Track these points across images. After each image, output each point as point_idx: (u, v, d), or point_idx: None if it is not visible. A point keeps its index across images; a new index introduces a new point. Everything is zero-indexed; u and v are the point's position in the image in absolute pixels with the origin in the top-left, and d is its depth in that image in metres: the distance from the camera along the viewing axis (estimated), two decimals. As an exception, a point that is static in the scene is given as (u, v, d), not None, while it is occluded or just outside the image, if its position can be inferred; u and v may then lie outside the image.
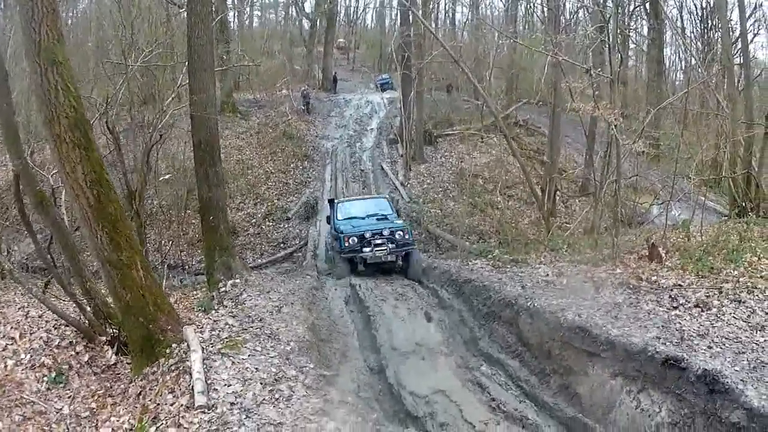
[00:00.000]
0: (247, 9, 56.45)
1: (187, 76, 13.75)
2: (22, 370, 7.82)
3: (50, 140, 7.77)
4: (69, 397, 7.63)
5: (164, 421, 6.35)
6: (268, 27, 58.75)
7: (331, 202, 18.29)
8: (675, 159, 15.37)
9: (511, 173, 25.15)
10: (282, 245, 21.25)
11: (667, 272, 10.56)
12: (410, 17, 26.94)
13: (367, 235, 15.24)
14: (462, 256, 16.09)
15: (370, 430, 6.33)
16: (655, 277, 10.32)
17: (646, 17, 35.26)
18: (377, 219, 16.53)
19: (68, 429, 6.94)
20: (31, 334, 8.85)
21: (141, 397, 7.51)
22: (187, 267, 19.30)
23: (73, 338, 9.07)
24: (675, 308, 8.81)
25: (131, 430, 6.65)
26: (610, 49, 15.63)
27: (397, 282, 14.34)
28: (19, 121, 13.15)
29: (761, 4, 31.12)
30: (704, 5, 33.47)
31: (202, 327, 9.24)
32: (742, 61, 19.57)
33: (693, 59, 25.02)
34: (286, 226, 22.33)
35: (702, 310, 8.56)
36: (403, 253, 15.49)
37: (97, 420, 7.21)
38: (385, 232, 15.38)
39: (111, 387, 8.18)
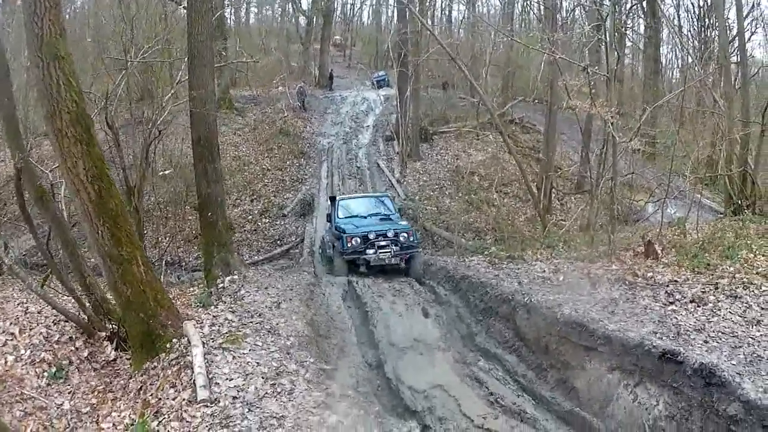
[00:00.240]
0: (244, 6, 56.40)
1: (186, 72, 13.79)
2: (23, 365, 7.86)
3: (51, 135, 7.77)
4: (69, 393, 7.68)
5: (166, 416, 6.39)
6: (264, 24, 58.64)
7: (332, 199, 17.58)
8: (671, 157, 15.45)
9: (507, 170, 25.19)
10: (278, 242, 21.29)
11: (663, 268, 10.62)
12: (407, 14, 26.98)
13: (371, 236, 14.67)
14: (458, 252, 16.15)
15: (372, 423, 6.37)
16: (651, 274, 10.38)
17: (642, 15, 35.35)
18: (380, 219, 16.06)
19: (69, 424, 6.98)
20: (30, 329, 8.88)
21: (141, 392, 7.55)
22: (184, 264, 19.33)
23: (73, 334, 9.10)
24: (671, 303, 8.89)
25: (132, 425, 6.66)
26: (607, 47, 15.67)
27: (395, 278, 14.25)
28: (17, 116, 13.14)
29: (759, 3, 31.28)
30: (701, 4, 33.46)
31: (201, 322, 9.26)
32: (739, 60, 19.61)
33: (690, 57, 25.04)
34: (283, 222, 22.36)
35: (698, 306, 8.63)
36: (407, 256, 14.90)
37: (97, 415, 7.26)
38: (390, 234, 14.80)
39: (111, 382, 8.22)
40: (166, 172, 18.39)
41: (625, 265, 11.23)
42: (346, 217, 16.10)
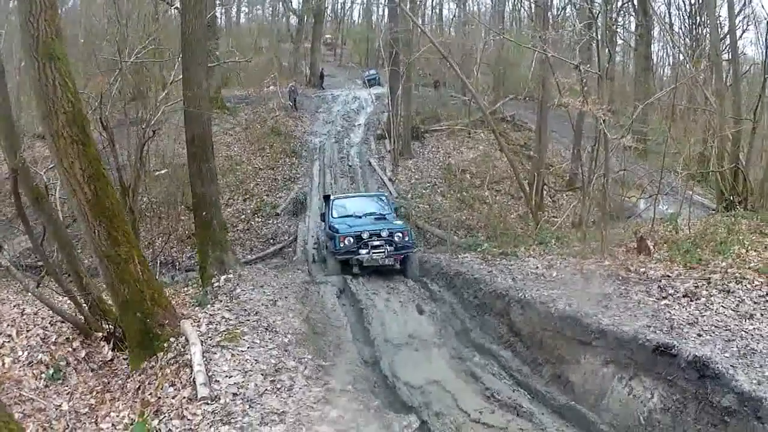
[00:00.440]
0: (235, 5, 56.35)
1: (179, 72, 13.81)
2: (20, 367, 7.85)
3: (48, 136, 7.80)
4: (67, 394, 7.69)
5: (167, 414, 6.40)
6: (255, 23, 58.60)
7: (326, 198, 17.37)
8: (662, 154, 15.56)
9: (498, 168, 25.32)
10: (271, 241, 21.31)
11: (656, 264, 10.73)
12: (398, 13, 27.03)
13: (365, 235, 14.32)
14: (451, 249, 16.17)
15: (372, 417, 6.42)
16: (644, 269, 10.49)
17: (634, 13, 35.50)
18: (375, 218, 15.67)
19: (68, 425, 6.98)
20: (27, 331, 8.87)
21: (140, 391, 7.55)
22: (177, 264, 19.34)
23: (70, 335, 9.10)
24: (664, 298, 8.98)
25: (132, 424, 6.67)
26: (598, 45, 15.75)
27: (389, 276, 14.25)
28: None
29: (750, 1, 31.38)
30: (692, 1, 33.61)
31: (198, 321, 9.28)
32: (730, 57, 19.73)
33: (681, 55, 25.17)
34: (275, 221, 22.38)
35: (691, 300, 8.73)
36: (402, 256, 14.56)
37: (96, 416, 7.26)
38: (384, 233, 14.42)
39: (109, 383, 8.23)
40: (162, 171, 18.39)
41: (617, 261, 11.31)
42: (340, 217, 15.85)
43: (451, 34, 45.64)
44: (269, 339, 8.81)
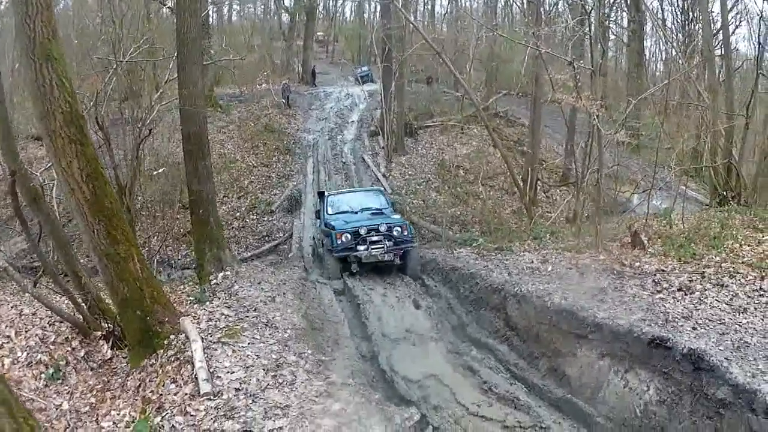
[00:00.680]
0: (227, 3, 56.25)
1: (174, 70, 13.84)
2: (20, 367, 7.84)
3: (45, 135, 7.80)
4: (68, 393, 7.68)
5: (169, 411, 6.43)
6: (246, 21, 58.48)
7: (320, 194, 17.08)
8: (656, 149, 15.65)
9: (492, 164, 25.35)
10: (267, 238, 21.31)
11: (650, 258, 10.77)
12: (391, 10, 27.05)
13: (362, 231, 13.94)
14: (446, 245, 16.14)
15: (374, 410, 6.49)
16: (638, 263, 10.53)
17: (626, 9, 35.63)
18: (372, 213, 15.39)
19: (69, 424, 6.98)
20: (26, 331, 8.87)
21: (140, 389, 7.56)
22: (173, 262, 19.34)
23: (69, 334, 9.10)
24: (659, 292, 9.05)
25: (132, 422, 6.67)
26: (591, 41, 15.83)
27: (385, 271, 14.25)
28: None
29: (743, -4, 31.41)
30: (685, -3, 33.71)
31: (198, 318, 9.34)
32: (723, 53, 19.81)
33: (674, 51, 25.29)
34: (270, 219, 22.37)
35: (685, 294, 8.80)
36: (402, 251, 14.25)
37: (97, 414, 7.24)
38: (382, 228, 14.06)
39: (108, 381, 8.23)
40: (160, 171, 18.39)
41: (612, 256, 11.37)
42: (335, 213, 15.58)
43: (443, 30, 45.67)
44: (269, 335, 8.87)
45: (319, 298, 12.63)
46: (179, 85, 13.24)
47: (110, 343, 9.09)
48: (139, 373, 8.02)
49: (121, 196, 13.18)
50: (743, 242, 10.76)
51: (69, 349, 8.82)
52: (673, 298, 8.74)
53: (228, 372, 7.19)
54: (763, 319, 7.56)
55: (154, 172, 18.44)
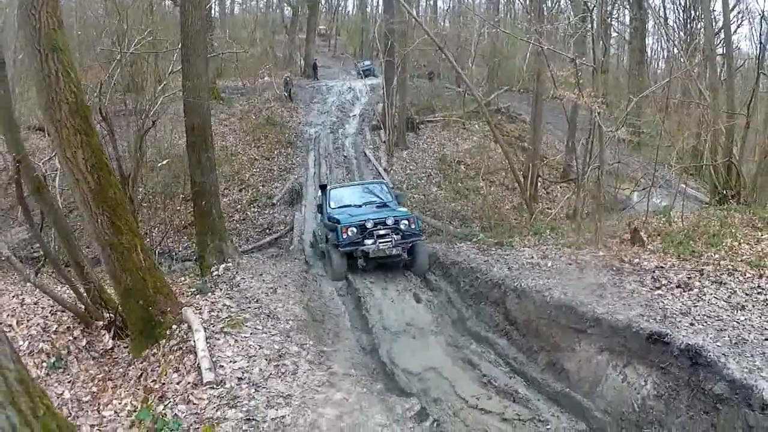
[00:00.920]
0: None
1: (177, 62, 13.89)
2: (21, 356, 7.90)
3: (50, 126, 7.82)
4: (69, 382, 7.74)
5: (172, 399, 6.47)
6: (249, 14, 58.46)
7: (322, 188, 16.32)
8: (656, 147, 15.68)
9: (493, 159, 25.36)
10: (267, 231, 21.34)
11: (649, 255, 10.81)
12: (393, 4, 27.08)
13: (369, 224, 13.46)
14: (447, 239, 16.17)
15: (375, 399, 6.55)
16: (638, 260, 10.57)
17: (628, 6, 35.58)
18: (377, 206, 14.91)
19: (71, 413, 7.02)
20: (27, 320, 8.93)
21: (142, 378, 7.60)
22: (174, 254, 19.37)
23: (70, 324, 9.17)
24: (657, 288, 9.09)
25: (134, 411, 6.70)
26: (593, 38, 15.84)
27: (386, 265, 14.01)
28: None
29: (745, -4, 31.44)
30: (687, -5, 33.69)
31: (200, 309, 9.36)
32: (724, 52, 19.82)
33: (675, 49, 25.24)
34: (271, 211, 22.40)
35: (684, 291, 8.85)
36: (410, 245, 13.73)
37: (98, 403, 7.28)
38: (389, 221, 13.61)
39: (110, 371, 8.28)
40: (164, 162, 18.43)
41: (611, 252, 11.41)
42: (339, 207, 15.02)
43: (445, 25, 45.68)
44: (271, 325, 8.93)
45: (320, 291, 12.71)
46: (183, 77, 13.29)
47: (112, 332, 9.16)
48: (141, 362, 8.07)
49: (124, 187, 13.23)
50: (742, 240, 10.81)
51: (70, 338, 8.88)
52: (672, 294, 8.78)
53: (231, 361, 7.24)
54: (760, 317, 7.61)
55: (158, 164, 18.47)
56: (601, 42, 18.09)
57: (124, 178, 13.41)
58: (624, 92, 29.26)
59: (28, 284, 9.66)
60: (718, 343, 6.85)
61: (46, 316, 9.26)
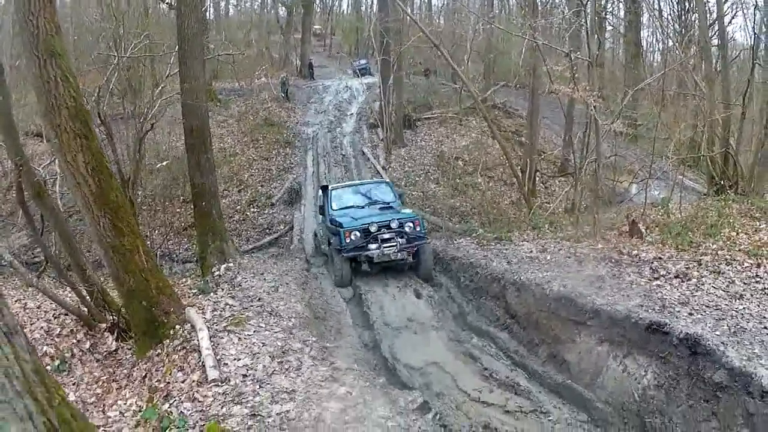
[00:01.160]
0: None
1: (174, 65, 13.95)
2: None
3: (50, 130, 7.86)
4: (74, 384, 7.77)
5: (177, 398, 6.52)
6: (244, 15, 58.50)
7: (324, 189, 15.78)
8: (653, 139, 15.75)
9: (491, 155, 25.42)
10: (267, 231, 21.36)
11: (648, 246, 10.89)
12: (388, 3, 27.12)
13: (373, 228, 12.98)
14: (446, 235, 16.19)
15: (378, 393, 6.61)
16: (636, 251, 10.64)
17: (622, 0, 35.64)
18: (380, 208, 14.44)
19: (76, 415, 7.10)
20: (31, 324, 8.98)
21: (146, 379, 7.65)
22: (174, 256, 19.42)
23: (73, 327, 9.22)
24: (656, 279, 9.16)
25: (139, 411, 6.74)
26: (588, 32, 15.89)
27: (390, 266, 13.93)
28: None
29: (739, -13, 31.39)
30: (681, -13, 33.71)
31: (203, 308, 9.44)
32: (719, 43, 19.86)
33: (670, 41, 25.32)
34: (271, 211, 22.41)
35: (682, 281, 8.91)
36: (415, 249, 13.29)
37: (103, 405, 7.32)
38: (394, 225, 13.10)
39: (114, 372, 8.32)
40: (164, 164, 18.48)
41: (610, 244, 11.48)
42: (341, 209, 14.55)
43: (440, 22, 45.77)
44: (274, 323, 8.99)
45: (321, 289, 12.78)
46: (181, 79, 13.35)
47: (115, 334, 9.20)
48: (145, 363, 8.11)
49: (123, 190, 13.30)
50: (740, 230, 10.89)
51: (74, 341, 8.93)
52: (670, 284, 8.84)
53: (235, 359, 7.29)
54: (759, 305, 7.67)
55: (158, 165, 18.51)
56: (595, 36, 18.14)
57: (123, 181, 13.48)
58: (620, 85, 29.39)
59: (30, 289, 9.72)
60: (717, 332, 6.91)
61: (50, 320, 9.32)
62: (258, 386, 6.56)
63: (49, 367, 7.95)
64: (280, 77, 35.90)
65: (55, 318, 9.44)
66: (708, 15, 22.34)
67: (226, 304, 9.80)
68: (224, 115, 30.45)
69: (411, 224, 13.24)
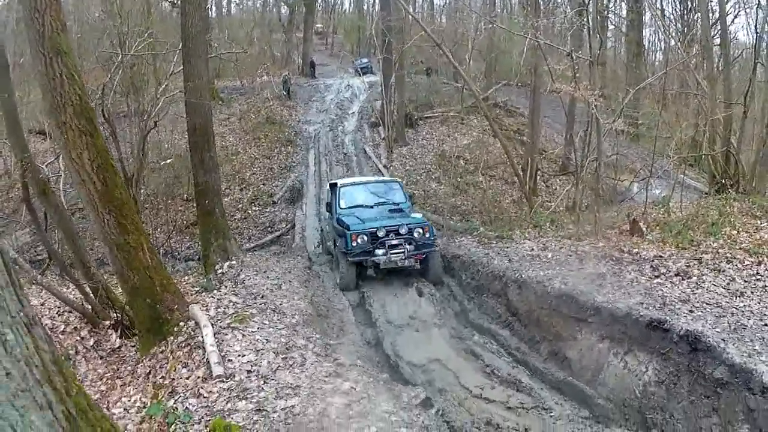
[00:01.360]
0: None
1: (177, 63, 13.99)
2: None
3: (55, 128, 7.91)
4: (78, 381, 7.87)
5: (182, 394, 6.56)
6: (246, 13, 58.54)
7: (332, 186, 15.24)
8: (654, 138, 15.78)
9: (492, 154, 25.43)
10: (269, 229, 21.40)
11: (648, 245, 10.93)
12: (390, 1, 27.16)
13: (381, 233, 12.51)
14: (447, 234, 16.21)
15: (382, 388, 6.67)
16: (637, 250, 10.68)
17: (625, -1, 35.69)
18: (390, 210, 13.87)
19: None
20: (35, 321, 9.05)
21: (151, 375, 7.71)
22: (177, 254, 19.47)
23: (77, 324, 9.30)
24: (657, 277, 9.22)
25: (144, 407, 6.80)
26: (589, 31, 15.91)
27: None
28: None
29: (741, -14, 31.43)
30: (683, -14, 33.77)
31: (206, 305, 9.48)
32: (721, 42, 19.87)
33: (672, 40, 25.33)
34: (272, 210, 22.45)
35: (683, 279, 8.97)
36: (423, 256, 12.75)
37: (108, 401, 7.38)
38: (403, 230, 12.59)
39: (118, 369, 8.40)
40: (168, 161, 18.53)
41: (611, 242, 11.51)
42: (348, 207, 14.05)
43: (442, 21, 45.79)
44: (277, 320, 9.05)
45: (323, 287, 12.82)
46: (185, 78, 13.39)
47: (119, 332, 9.27)
48: (149, 360, 8.16)
49: (128, 187, 13.36)
50: (741, 229, 10.92)
51: (78, 338, 9.00)
52: (671, 282, 8.90)
53: (239, 355, 7.34)
54: (759, 303, 7.74)
55: (162, 163, 18.56)
56: (597, 35, 18.13)
57: (127, 179, 13.53)
58: (622, 84, 29.39)
59: (34, 286, 9.76)
60: (717, 329, 6.98)
61: (53, 317, 9.39)
62: (263, 382, 6.61)
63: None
64: (282, 76, 35.92)
65: (59, 315, 9.50)
66: (710, 14, 22.39)
67: (230, 301, 9.85)
68: (226, 113, 30.52)
69: (420, 230, 12.79)
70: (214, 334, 7.81)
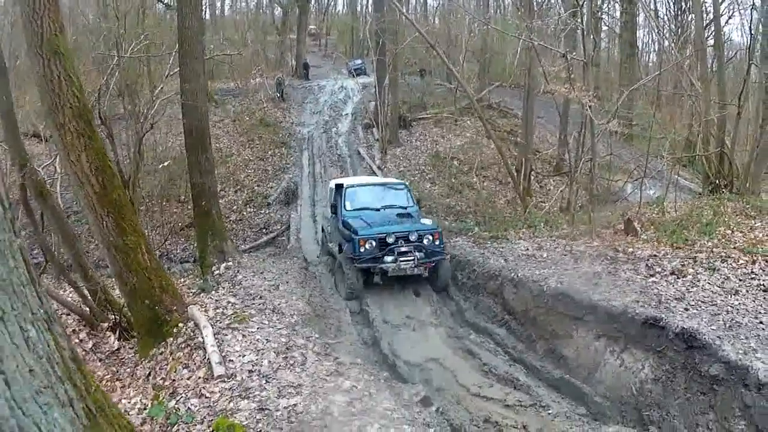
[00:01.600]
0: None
1: (172, 66, 14.01)
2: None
3: (54, 130, 7.92)
4: (77, 384, 7.88)
5: (183, 394, 6.58)
6: (239, 15, 58.54)
7: (338, 187, 14.46)
8: (648, 138, 15.87)
9: (486, 154, 25.55)
10: (264, 230, 21.45)
11: (643, 244, 11.01)
12: (384, 2, 27.24)
13: (390, 239, 12.00)
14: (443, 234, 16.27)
15: (383, 386, 6.71)
16: (632, 249, 10.76)
17: (619, 0, 35.79)
18: (398, 214, 13.31)
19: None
20: (32, 324, 9.04)
21: (151, 377, 7.71)
22: (172, 256, 19.47)
23: (75, 326, 9.32)
24: (652, 276, 9.29)
25: (144, 409, 6.78)
26: (583, 32, 15.99)
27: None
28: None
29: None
30: (677, -12, 33.93)
31: (205, 306, 9.51)
32: (715, 43, 19.98)
33: (666, 41, 25.43)
34: (267, 211, 22.52)
35: (678, 277, 9.03)
36: (433, 264, 12.29)
37: (108, 403, 7.45)
38: (413, 237, 12.07)
39: (117, 371, 8.38)
40: (165, 163, 18.54)
41: (606, 242, 11.59)
42: (354, 210, 13.43)
43: (436, 23, 45.87)
44: (277, 320, 9.07)
45: (320, 287, 12.83)
46: (181, 79, 13.42)
47: (117, 334, 9.28)
48: (149, 361, 8.17)
49: (124, 189, 13.35)
50: (735, 228, 11.03)
51: (76, 341, 9.00)
52: (666, 281, 8.97)
53: (240, 355, 7.37)
54: (754, 301, 7.80)
55: (160, 165, 18.56)
56: (591, 36, 18.22)
57: (124, 181, 13.54)
58: (615, 85, 29.55)
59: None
60: (712, 327, 7.04)
61: (51, 320, 9.34)
62: (264, 381, 6.64)
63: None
64: (275, 77, 35.94)
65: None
66: (704, 15, 22.46)
67: (228, 302, 9.88)
68: (220, 115, 30.55)
69: (430, 237, 12.29)
70: (214, 335, 7.84)
